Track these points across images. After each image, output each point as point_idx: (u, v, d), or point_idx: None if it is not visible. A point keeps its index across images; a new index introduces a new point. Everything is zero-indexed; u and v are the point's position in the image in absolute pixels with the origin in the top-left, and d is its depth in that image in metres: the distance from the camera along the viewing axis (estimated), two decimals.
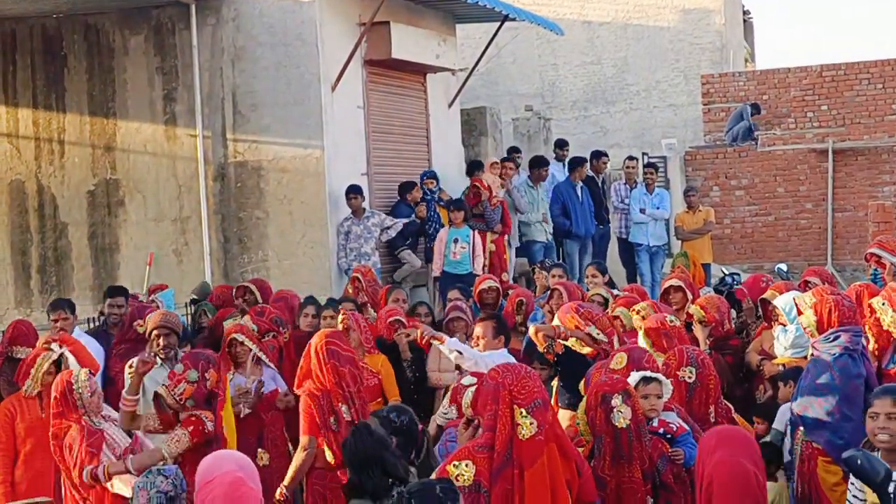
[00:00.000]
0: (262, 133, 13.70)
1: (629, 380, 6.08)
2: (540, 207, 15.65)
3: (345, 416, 6.66)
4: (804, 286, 9.51)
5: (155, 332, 8.07)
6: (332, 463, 6.75)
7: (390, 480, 5.10)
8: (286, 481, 6.96)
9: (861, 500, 5.74)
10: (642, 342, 7.66)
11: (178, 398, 6.58)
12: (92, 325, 11.12)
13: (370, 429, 5.37)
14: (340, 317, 8.88)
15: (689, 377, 6.64)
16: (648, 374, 6.19)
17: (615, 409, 5.63)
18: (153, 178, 14.17)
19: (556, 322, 7.53)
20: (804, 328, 7.14)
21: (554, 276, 11.37)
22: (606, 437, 5.64)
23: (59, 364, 7.84)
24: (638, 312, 8.50)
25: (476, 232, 13.96)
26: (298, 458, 6.95)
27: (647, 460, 5.70)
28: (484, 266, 14.02)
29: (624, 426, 5.62)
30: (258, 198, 13.77)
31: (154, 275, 13.47)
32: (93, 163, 14.42)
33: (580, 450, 5.76)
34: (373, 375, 8.49)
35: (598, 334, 7.15)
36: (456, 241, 13.80)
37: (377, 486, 5.09)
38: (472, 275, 13.43)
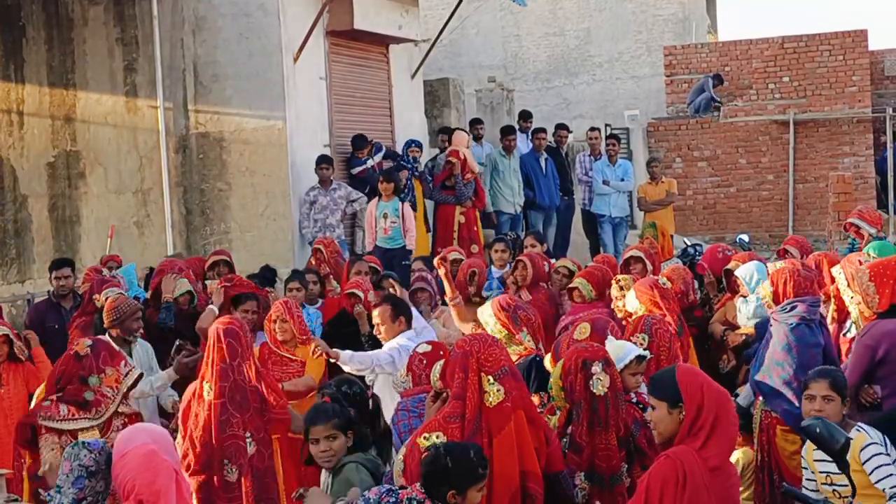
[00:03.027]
0: (224, 104, 13.62)
1: (622, 356, 6.09)
2: (513, 177, 15.64)
3: (206, 395, 6.45)
4: (784, 254, 9.66)
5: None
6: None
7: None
8: None
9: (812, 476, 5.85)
10: (635, 306, 7.65)
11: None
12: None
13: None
14: (273, 308, 8.27)
15: (641, 344, 6.74)
16: (642, 353, 6.21)
17: (594, 377, 5.61)
18: (114, 149, 14.06)
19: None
20: (762, 299, 7.22)
21: (527, 246, 11.35)
22: (584, 402, 5.64)
23: (10, 342, 8.07)
24: (618, 282, 8.50)
25: (405, 204, 13.65)
26: None
27: (622, 427, 5.72)
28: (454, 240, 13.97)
29: (602, 394, 5.62)
30: (220, 169, 13.69)
31: (115, 247, 13.40)
32: (53, 134, 14.29)
33: (555, 417, 5.78)
34: (302, 365, 8.04)
35: (528, 340, 7.09)
36: (385, 216, 13.45)
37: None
38: (405, 249, 13.37)
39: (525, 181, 15.82)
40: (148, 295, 9.85)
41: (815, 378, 5.92)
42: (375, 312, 7.91)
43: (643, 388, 6.24)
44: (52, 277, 10.52)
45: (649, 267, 9.61)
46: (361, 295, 9.31)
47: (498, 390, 5.21)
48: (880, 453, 5.57)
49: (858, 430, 5.68)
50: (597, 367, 5.61)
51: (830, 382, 5.84)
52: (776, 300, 6.95)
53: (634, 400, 6.13)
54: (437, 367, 5.60)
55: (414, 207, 14.03)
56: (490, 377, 5.23)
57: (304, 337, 8.10)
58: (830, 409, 5.75)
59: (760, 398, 6.92)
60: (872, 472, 5.50)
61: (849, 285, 7.01)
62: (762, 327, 7.37)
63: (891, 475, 5.50)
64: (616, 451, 5.59)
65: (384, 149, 14.66)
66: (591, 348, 5.79)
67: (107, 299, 8.36)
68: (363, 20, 14.27)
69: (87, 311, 9.27)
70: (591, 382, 5.59)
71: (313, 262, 11.25)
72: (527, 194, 15.85)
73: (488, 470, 4.97)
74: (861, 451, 5.54)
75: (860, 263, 7.27)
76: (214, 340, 6.53)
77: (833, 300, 7.39)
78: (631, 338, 6.80)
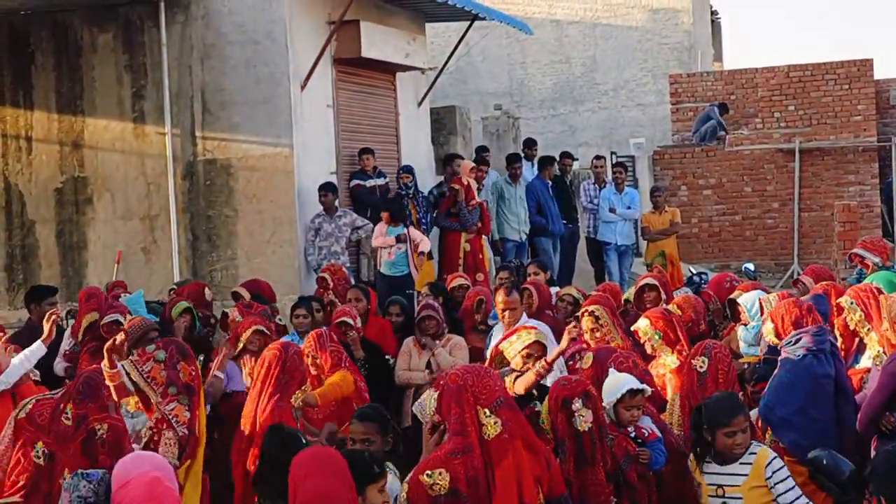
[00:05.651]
0: (232, 131, 13.66)
1: (614, 390, 6.07)
2: (519, 205, 15.65)
3: None
4: (796, 284, 9.73)
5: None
6: None
7: None
8: None
9: None
10: (649, 333, 7.45)
11: (144, 375, 6.46)
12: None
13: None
14: (304, 346, 8.09)
15: (701, 367, 6.76)
16: (637, 386, 6.16)
17: (576, 414, 5.59)
18: (121, 175, 14.10)
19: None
20: (766, 336, 7.27)
21: (530, 274, 11.36)
22: (569, 440, 5.63)
23: None
24: (591, 314, 8.22)
25: (411, 228, 13.66)
26: None
27: (609, 461, 5.70)
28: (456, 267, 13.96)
29: (586, 430, 5.61)
30: (227, 196, 13.73)
31: (122, 273, 13.42)
32: (60, 160, 14.34)
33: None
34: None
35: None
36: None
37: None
38: (409, 276, 13.38)
39: (537, 208, 15.84)
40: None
41: (736, 413, 5.96)
42: (498, 298, 8.67)
43: (646, 422, 6.21)
44: (45, 303, 10.29)
45: (663, 296, 9.56)
46: (352, 322, 9.34)
47: (495, 422, 5.17)
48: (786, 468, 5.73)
49: (759, 445, 5.81)
50: (577, 404, 5.61)
51: (744, 416, 5.95)
52: (778, 336, 7.03)
53: (633, 434, 6.11)
54: (432, 400, 5.57)
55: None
56: (486, 410, 5.19)
57: (336, 367, 8.07)
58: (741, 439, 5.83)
59: (769, 429, 6.93)
60: (786, 492, 5.60)
61: (867, 316, 7.05)
62: (772, 359, 7.38)
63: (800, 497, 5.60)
64: (604, 487, 5.58)
65: (386, 179, 14.66)
66: (570, 385, 5.76)
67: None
68: (370, 48, 14.34)
69: (96, 337, 9.29)
70: (573, 419, 5.59)
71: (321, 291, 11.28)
72: (538, 221, 15.85)
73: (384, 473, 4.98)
74: (767, 465, 5.61)
75: (868, 292, 7.28)
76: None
77: (837, 331, 7.38)
78: (692, 360, 6.81)
